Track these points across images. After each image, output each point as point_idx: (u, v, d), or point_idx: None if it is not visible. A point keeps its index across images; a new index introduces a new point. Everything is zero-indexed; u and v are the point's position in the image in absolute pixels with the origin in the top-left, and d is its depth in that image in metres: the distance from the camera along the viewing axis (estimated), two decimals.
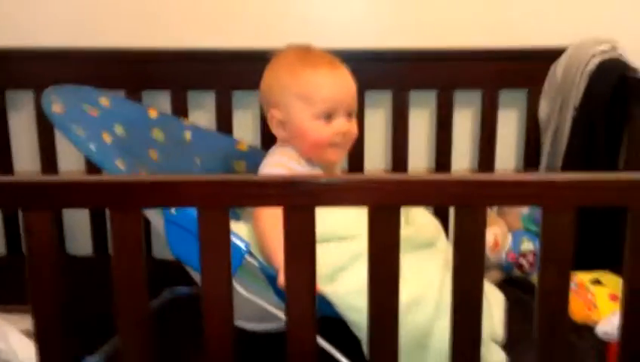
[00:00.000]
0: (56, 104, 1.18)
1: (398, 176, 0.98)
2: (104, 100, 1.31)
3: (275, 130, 1.28)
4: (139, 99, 1.59)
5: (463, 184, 0.90)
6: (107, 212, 0.91)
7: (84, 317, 1.23)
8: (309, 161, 1.26)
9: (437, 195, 0.90)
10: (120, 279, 0.91)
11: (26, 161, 1.67)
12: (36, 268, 0.90)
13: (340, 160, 1.30)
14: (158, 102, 1.62)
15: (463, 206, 0.90)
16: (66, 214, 1.66)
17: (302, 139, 1.24)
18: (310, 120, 1.23)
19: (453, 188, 0.90)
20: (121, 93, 1.55)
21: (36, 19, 1.62)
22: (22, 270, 0.91)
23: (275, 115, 1.27)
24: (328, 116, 1.23)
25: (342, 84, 1.25)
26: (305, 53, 1.29)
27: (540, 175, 0.96)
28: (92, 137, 1.14)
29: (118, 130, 1.27)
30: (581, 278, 1.37)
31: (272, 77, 1.28)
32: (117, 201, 0.88)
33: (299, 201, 0.88)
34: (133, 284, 0.91)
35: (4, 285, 1.31)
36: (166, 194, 0.89)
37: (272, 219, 1.07)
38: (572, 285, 0.92)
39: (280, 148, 1.28)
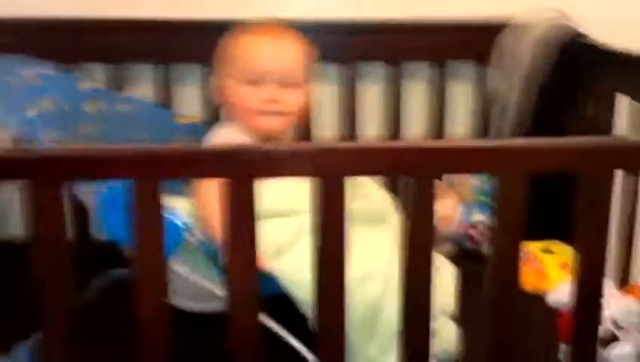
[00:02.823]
0: None
1: (343, 145, 0.94)
2: (31, 72, 1.22)
3: (215, 96, 1.26)
4: (72, 71, 1.49)
5: (413, 151, 0.86)
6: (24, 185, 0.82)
7: (17, 303, 1.16)
8: (257, 137, 1.21)
9: (385, 163, 0.86)
10: (41, 264, 0.83)
11: None
12: None
13: (278, 131, 1.22)
14: (92, 75, 1.53)
15: (412, 174, 0.86)
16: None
17: (234, 106, 1.22)
18: (236, 84, 1.20)
19: (402, 155, 0.85)
20: (54, 65, 1.46)
21: None
22: None
23: (213, 81, 1.25)
24: (254, 82, 1.19)
25: (273, 51, 1.21)
26: (256, 24, 1.25)
27: (492, 141, 0.93)
28: (13, 110, 1.06)
29: (46, 103, 1.19)
30: (531, 248, 1.36)
31: (219, 45, 1.25)
32: (40, 174, 0.81)
33: (238, 172, 0.83)
34: (55, 269, 0.83)
35: None
36: (95, 166, 0.82)
37: (212, 192, 1.02)
38: (522, 254, 0.89)
39: (226, 127, 1.24)
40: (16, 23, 1.49)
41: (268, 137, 1.22)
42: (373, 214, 1.20)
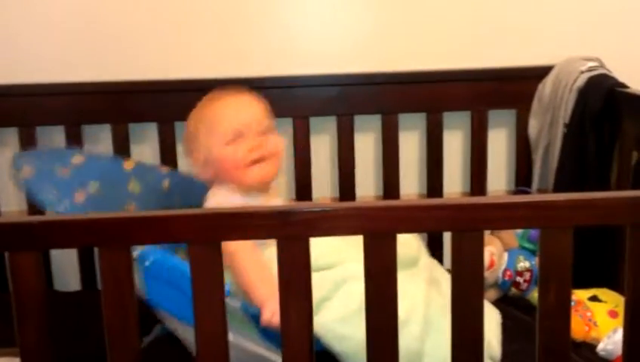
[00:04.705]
0: (25, 169, 1.17)
1: (392, 203, 0.97)
2: (77, 158, 1.29)
3: (202, 172, 1.29)
4: (77, 134, 1.56)
5: (459, 208, 0.89)
6: (95, 249, 0.88)
7: (73, 355, 1.20)
8: (247, 192, 1.25)
9: (433, 221, 0.89)
10: (111, 317, 0.88)
11: (11, 201, 1.64)
12: (23, 309, 0.87)
13: (268, 177, 1.28)
14: (99, 136, 1.59)
15: (460, 231, 0.88)
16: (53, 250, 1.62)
17: (224, 169, 1.25)
18: (224, 147, 1.24)
19: (449, 213, 0.88)
20: (59, 128, 1.52)
21: None
22: (9, 310, 0.88)
23: (197, 158, 1.29)
24: (234, 140, 1.24)
25: (242, 107, 1.28)
26: (211, 94, 1.31)
27: (538, 196, 0.95)
28: (63, 197, 1.12)
29: (93, 187, 1.25)
30: (579, 296, 1.35)
31: (187, 125, 1.31)
32: (106, 239, 0.86)
33: (293, 232, 0.87)
34: (124, 322, 0.88)
35: None
36: (156, 230, 0.87)
37: (247, 254, 1.06)
38: (572, 303, 0.90)
39: (215, 190, 1.28)
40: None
41: (262, 187, 1.27)
42: (407, 259, 1.22)
